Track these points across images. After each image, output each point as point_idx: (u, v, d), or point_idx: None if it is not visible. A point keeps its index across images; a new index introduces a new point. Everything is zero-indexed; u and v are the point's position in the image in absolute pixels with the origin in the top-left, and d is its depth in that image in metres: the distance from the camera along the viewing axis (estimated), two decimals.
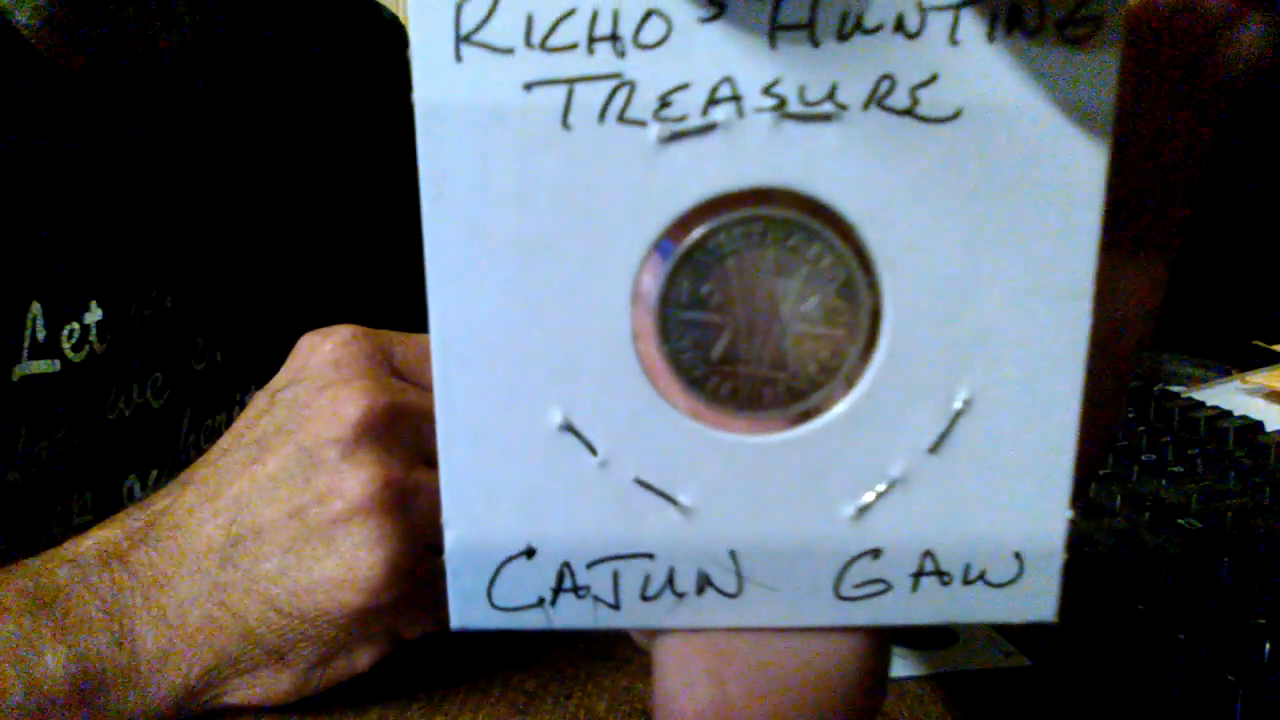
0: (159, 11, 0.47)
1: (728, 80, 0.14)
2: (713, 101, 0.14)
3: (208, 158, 0.54)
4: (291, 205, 0.59)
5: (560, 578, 0.16)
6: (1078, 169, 0.14)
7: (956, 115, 0.14)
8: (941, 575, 0.15)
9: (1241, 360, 0.71)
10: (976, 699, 0.36)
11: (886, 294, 0.15)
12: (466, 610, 0.16)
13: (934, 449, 0.15)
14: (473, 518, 0.15)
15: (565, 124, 0.14)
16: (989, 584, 0.16)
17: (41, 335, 0.45)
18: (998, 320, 0.15)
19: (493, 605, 0.16)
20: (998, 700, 0.36)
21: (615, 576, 0.16)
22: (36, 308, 0.45)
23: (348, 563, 0.33)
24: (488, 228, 0.14)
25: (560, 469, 0.15)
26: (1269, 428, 0.55)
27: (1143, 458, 0.52)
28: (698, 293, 0.15)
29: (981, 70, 0.14)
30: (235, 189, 0.56)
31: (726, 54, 0.14)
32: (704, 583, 0.16)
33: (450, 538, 0.15)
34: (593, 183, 0.14)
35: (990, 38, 0.14)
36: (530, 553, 0.16)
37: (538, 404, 0.15)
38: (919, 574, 0.16)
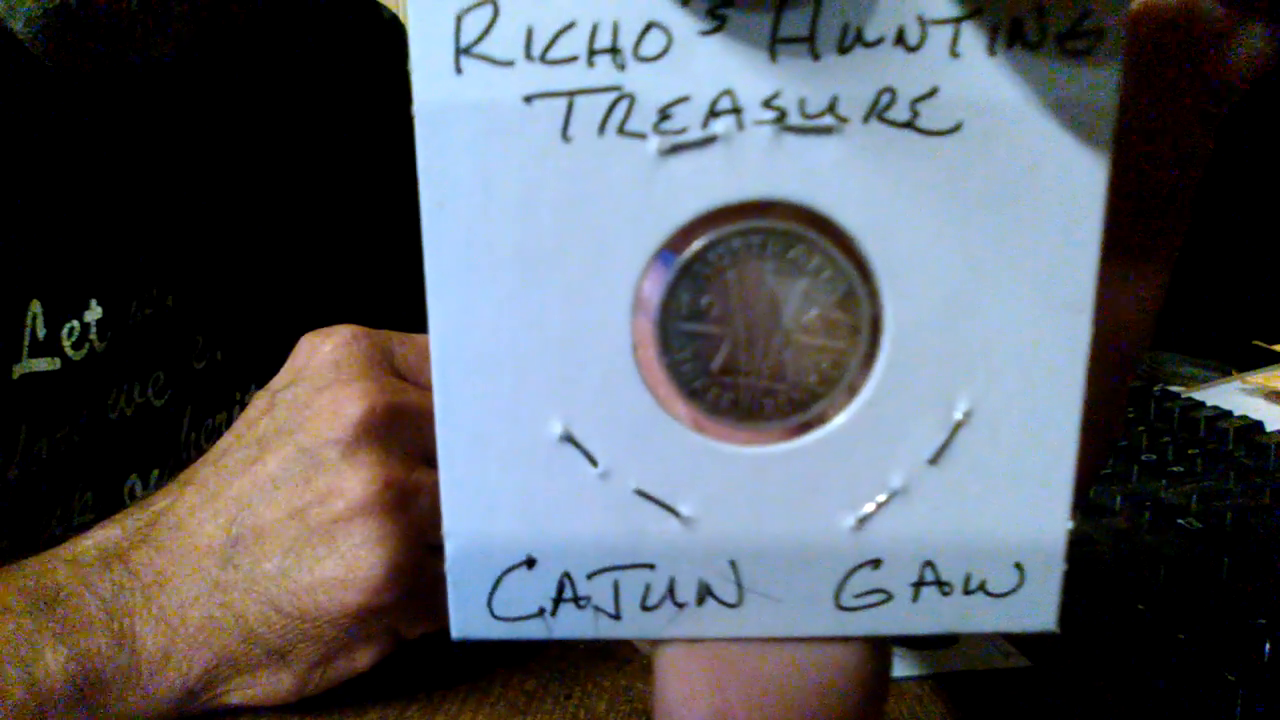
0: (155, 15, 0.47)
1: (728, 93, 0.14)
2: (713, 114, 0.14)
3: (208, 157, 0.54)
4: (291, 204, 0.59)
5: (561, 588, 0.16)
6: (1078, 182, 0.14)
7: (957, 128, 0.14)
8: (942, 585, 0.16)
9: (1241, 360, 0.71)
10: (976, 699, 0.36)
11: (887, 305, 0.15)
12: (467, 620, 0.16)
13: (934, 460, 0.15)
14: (474, 528, 0.15)
15: (565, 136, 0.14)
16: (989, 594, 0.16)
17: (41, 333, 0.45)
18: (998, 332, 0.15)
19: (493, 615, 0.16)
20: (998, 700, 0.36)
21: (616, 587, 0.16)
22: (36, 305, 0.45)
23: (348, 563, 0.33)
24: (488, 239, 0.14)
25: (561, 479, 0.15)
26: (1269, 428, 0.55)
27: (1143, 458, 0.52)
28: (698, 304, 0.15)
29: (982, 83, 0.14)
30: (235, 188, 0.56)
31: (727, 67, 0.14)
32: (705, 593, 0.16)
33: (451, 548, 0.16)
34: (593, 194, 0.14)
35: (991, 51, 0.14)
36: (531, 563, 0.16)
37: (538, 415, 0.15)
38: (919, 584, 0.16)
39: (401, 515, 0.33)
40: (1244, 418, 0.56)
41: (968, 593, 0.16)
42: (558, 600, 0.16)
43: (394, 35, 0.68)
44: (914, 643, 0.39)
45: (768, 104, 0.14)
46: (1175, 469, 0.51)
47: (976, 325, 0.15)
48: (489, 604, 0.16)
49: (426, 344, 0.15)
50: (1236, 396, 0.65)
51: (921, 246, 0.15)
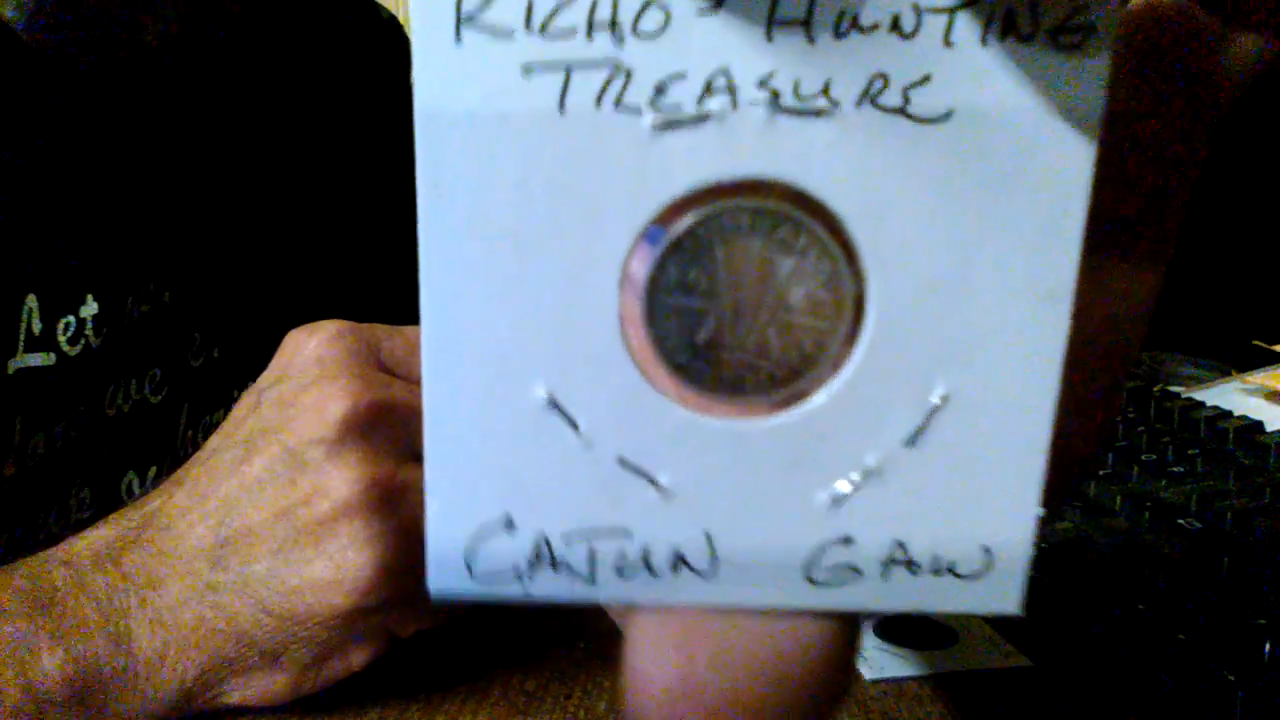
0: (146, 4, 0.47)
1: (723, 72, 0.14)
2: (708, 92, 0.14)
3: (204, 153, 0.54)
4: (289, 202, 0.59)
5: (538, 550, 0.16)
6: (1064, 173, 0.14)
7: (947, 116, 0.14)
8: (911, 565, 0.16)
9: (1241, 360, 0.71)
10: (976, 699, 0.36)
11: (871, 288, 0.15)
12: (444, 577, 0.16)
13: (910, 442, 0.15)
14: (454, 488, 0.16)
15: (561, 109, 0.14)
16: (957, 575, 0.16)
17: (37, 328, 0.45)
18: (978, 318, 0.15)
19: (471, 574, 0.16)
20: (998, 700, 0.36)
21: (592, 552, 0.16)
22: (32, 300, 0.45)
23: (336, 564, 0.33)
24: (482, 210, 0.15)
25: (543, 445, 0.15)
26: (1269, 428, 0.55)
27: (1143, 458, 0.52)
28: (685, 279, 0.15)
29: (974, 73, 0.14)
30: (232, 184, 0.56)
31: (723, 46, 0.14)
32: (678, 561, 0.16)
33: (431, 507, 0.16)
34: (587, 168, 0.14)
35: (984, 41, 0.14)
36: (510, 524, 0.16)
37: (524, 382, 0.15)
38: (889, 562, 0.16)
39: (389, 514, 0.33)
40: (1244, 418, 0.56)
41: (936, 573, 0.16)
42: (534, 562, 0.16)
43: (392, 35, 0.68)
44: (914, 641, 0.39)
45: (762, 84, 0.14)
46: (1175, 469, 0.51)
47: (958, 311, 0.15)
48: (467, 562, 0.16)
49: (414, 337, 0.15)
50: (1236, 396, 0.65)
51: (908, 231, 0.15)
